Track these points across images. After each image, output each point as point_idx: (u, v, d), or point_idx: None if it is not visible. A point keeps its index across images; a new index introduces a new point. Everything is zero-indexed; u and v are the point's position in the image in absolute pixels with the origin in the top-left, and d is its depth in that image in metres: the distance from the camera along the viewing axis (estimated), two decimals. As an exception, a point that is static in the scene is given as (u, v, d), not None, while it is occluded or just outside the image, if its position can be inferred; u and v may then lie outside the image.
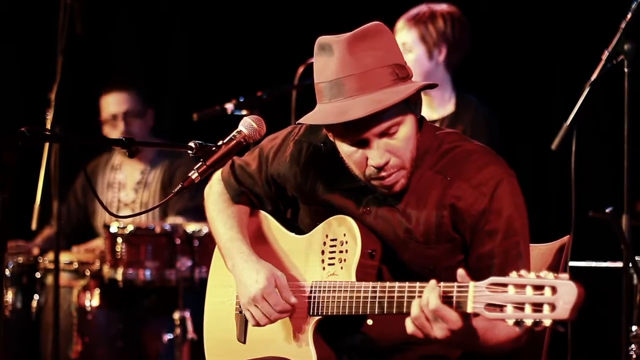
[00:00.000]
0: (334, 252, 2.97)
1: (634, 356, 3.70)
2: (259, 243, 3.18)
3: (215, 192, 3.28)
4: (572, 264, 3.08)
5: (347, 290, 2.87)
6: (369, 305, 2.82)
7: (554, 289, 2.38)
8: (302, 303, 3.00)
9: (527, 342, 2.85)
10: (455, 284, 2.58)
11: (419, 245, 2.90)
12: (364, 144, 2.82)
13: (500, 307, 2.44)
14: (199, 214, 3.42)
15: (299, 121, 2.88)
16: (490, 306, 2.46)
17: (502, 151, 3.66)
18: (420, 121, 2.93)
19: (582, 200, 3.35)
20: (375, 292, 2.80)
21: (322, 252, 3.00)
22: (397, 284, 2.75)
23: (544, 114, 5.55)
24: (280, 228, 3.17)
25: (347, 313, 2.87)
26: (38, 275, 5.56)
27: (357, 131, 2.80)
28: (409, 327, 2.65)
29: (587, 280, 4.07)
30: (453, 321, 2.57)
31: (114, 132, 5.86)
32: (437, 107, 4.90)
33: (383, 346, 2.95)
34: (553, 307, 2.37)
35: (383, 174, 2.83)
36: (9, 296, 5.52)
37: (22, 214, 5.25)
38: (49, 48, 5.09)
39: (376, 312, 2.80)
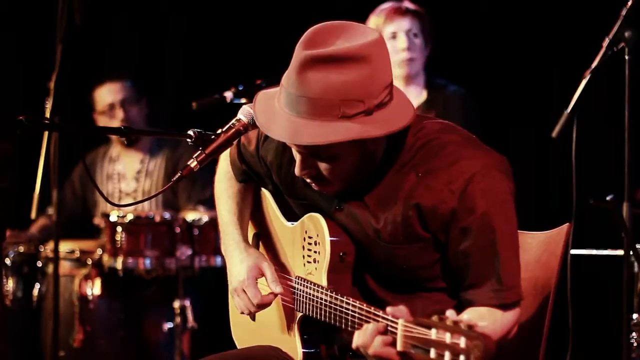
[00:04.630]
0: (311, 250, 2.94)
1: (635, 344, 3.70)
2: (259, 222, 3.20)
3: (221, 169, 3.29)
4: (573, 252, 3.07)
5: (321, 297, 2.83)
6: (338, 318, 2.75)
7: (468, 338, 2.25)
8: (290, 295, 3.01)
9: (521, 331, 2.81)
10: (389, 319, 2.49)
11: (387, 245, 2.80)
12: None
13: (425, 350, 2.34)
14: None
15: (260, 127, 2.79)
16: (416, 348, 2.37)
17: (496, 136, 3.65)
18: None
19: (582, 188, 3.34)
20: (342, 306, 2.72)
21: (303, 248, 2.98)
22: (365, 305, 2.64)
23: (544, 101, 5.53)
24: (276, 212, 3.16)
25: (320, 320, 2.83)
26: (39, 264, 5.55)
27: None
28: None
29: (588, 268, 4.07)
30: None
31: (112, 122, 5.85)
32: (413, 99, 4.93)
33: None
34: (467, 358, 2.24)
35: (308, 180, 2.81)
36: (10, 285, 5.52)
37: (21, 202, 5.25)
38: (48, 37, 5.07)
39: (343, 327, 2.73)
